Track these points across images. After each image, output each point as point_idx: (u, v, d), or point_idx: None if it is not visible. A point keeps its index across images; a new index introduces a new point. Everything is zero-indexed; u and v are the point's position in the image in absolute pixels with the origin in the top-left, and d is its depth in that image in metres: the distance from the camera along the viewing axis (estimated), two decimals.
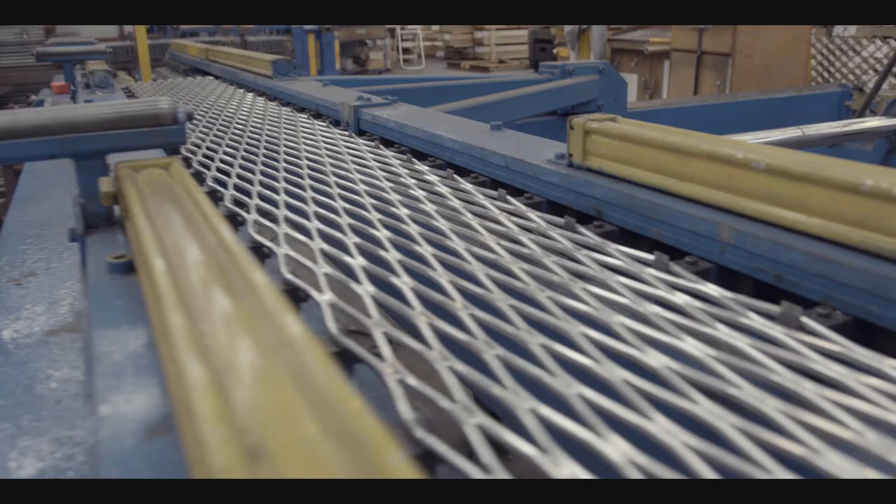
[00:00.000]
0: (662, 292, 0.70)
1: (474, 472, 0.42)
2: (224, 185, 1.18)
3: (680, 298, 0.69)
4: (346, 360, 0.62)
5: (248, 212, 1.03)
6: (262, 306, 0.50)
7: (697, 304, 0.67)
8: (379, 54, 12.22)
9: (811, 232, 0.75)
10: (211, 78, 2.97)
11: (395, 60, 12.95)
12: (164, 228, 0.71)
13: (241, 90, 2.48)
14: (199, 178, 1.25)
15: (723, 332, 0.61)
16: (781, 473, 0.42)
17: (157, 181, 0.87)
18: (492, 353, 0.58)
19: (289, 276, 0.77)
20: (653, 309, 0.66)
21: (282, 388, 0.39)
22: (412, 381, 0.53)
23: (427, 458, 0.47)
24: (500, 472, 0.42)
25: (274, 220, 0.99)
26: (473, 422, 0.47)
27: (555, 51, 9.21)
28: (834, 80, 4.80)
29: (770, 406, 0.48)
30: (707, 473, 0.42)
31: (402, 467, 0.32)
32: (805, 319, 0.64)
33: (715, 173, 0.86)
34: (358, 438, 0.34)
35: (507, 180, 1.19)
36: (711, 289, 0.71)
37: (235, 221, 1.03)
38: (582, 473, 0.41)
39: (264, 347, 0.45)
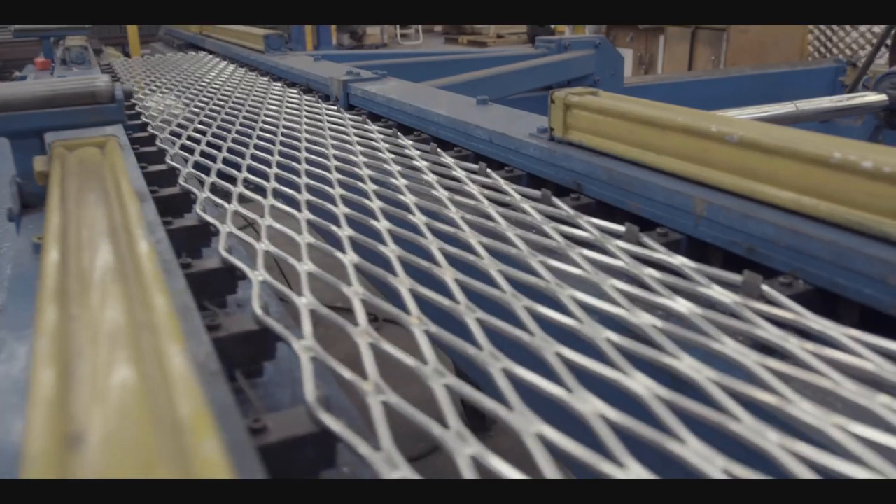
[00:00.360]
0: (624, 264, 0.71)
1: (369, 454, 0.43)
2: (186, 161, 1.18)
3: (641, 270, 0.69)
4: (268, 338, 0.62)
5: (202, 188, 1.03)
6: (141, 292, 0.50)
7: (657, 274, 0.68)
8: (376, 29, 12.09)
9: (782, 205, 0.75)
10: (204, 53, 2.94)
11: (392, 35, 12.82)
12: (74, 211, 0.70)
13: (234, 65, 2.47)
14: (161, 153, 1.25)
15: (680, 304, 0.62)
16: (693, 441, 0.43)
17: (86, 161, 0.85)
18: (421, 328, 0.58)
19: (224, 255, 0.77)
20: (610, 281, 0.67)
21: (126, 377, 0.39)
22: (330, 360, 0.54)
23: (325, 436, 0.48)
24: (394, 453, 0.42)
25: (228, 195, 0.99)
26: (380, 399, 0.47)
27: (553, 25, 9.14)
28: (831, 55, 4.76)
29: (704, 376, 0.49)
30: (619, 448, 0.43)
31: (212, 465, 0.32)
32: (766, 288, 0.65)
33: (690, 147, 0.86)
34: (182, 429, 0.34)
35: (491, 154, 1.19)
36: (678, 260, 0.72)
37: (188, 199, 1.03)
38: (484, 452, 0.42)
39: (126, 335, 0.45)
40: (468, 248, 0.77)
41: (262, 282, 0.71)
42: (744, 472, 0.41)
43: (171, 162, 1.18)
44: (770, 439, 0.42)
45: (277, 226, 0.87)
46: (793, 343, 0.53)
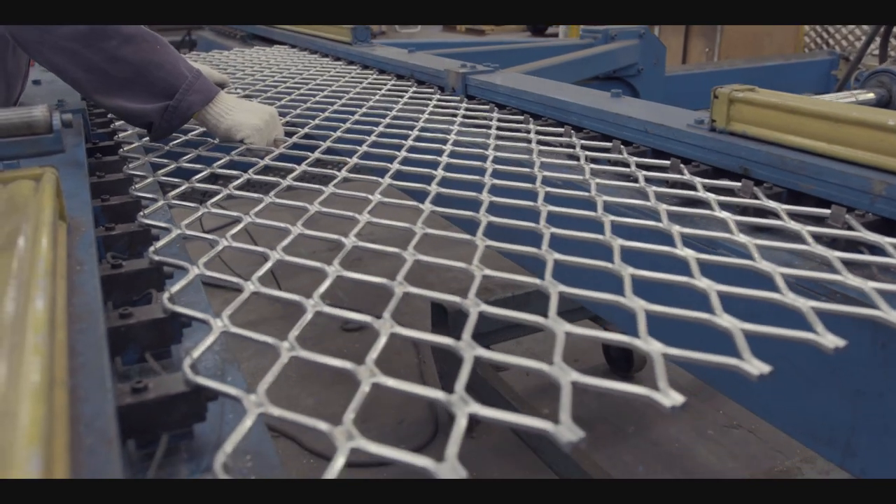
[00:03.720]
0: (715, 212, 1.00)
1: (241, 395, 0.56)
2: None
3: (723, 214, 0.98)
4: (174, 324, 0.71)
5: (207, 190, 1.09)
6: (15, 360, 0.47)
7: (726, 214, 0.98)
8: None
9: None
10: (280, 47, 2.86)
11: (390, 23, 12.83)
12: None
13: (327, 58, 2.52)
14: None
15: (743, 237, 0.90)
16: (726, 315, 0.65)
17: (12, 198, 0.76)
18: (480, 273, 0.79)
19: (152, 256, 0.82)
20: (676, 227, 0.92)
21: None
22: (236, 329, 0.68)
23: (196, 396, 0.59)
24: (264, 398, 0.55)
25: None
26: (290, 354, 0.63)
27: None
28: (828, 47, 4.81)
29: (704, 283, 0.76)
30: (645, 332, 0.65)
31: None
32: (847, 217, 0.96)
33: (865, 137, 1.03)
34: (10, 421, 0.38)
35: (644, 142, 1.34)
36: (770, 204, 1.02)
37: (140, 207, 1.01)
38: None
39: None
40: (531, 216, 0.99)
41: (198, 275, 0.80)
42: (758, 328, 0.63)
43: (131, 171, 1.15)
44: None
45: (260, 221, 0.98)
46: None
